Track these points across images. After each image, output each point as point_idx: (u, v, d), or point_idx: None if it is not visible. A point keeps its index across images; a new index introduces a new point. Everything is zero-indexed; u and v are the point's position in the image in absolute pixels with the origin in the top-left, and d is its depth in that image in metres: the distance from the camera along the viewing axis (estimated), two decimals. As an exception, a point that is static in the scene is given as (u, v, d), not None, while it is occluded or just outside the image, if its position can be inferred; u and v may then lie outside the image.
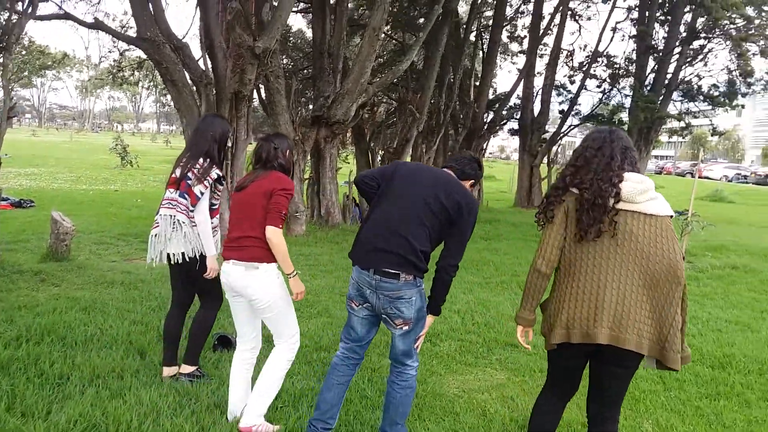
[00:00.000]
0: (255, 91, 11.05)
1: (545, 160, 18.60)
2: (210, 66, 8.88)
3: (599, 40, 18.67)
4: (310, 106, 15.55)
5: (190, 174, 3.47)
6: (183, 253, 3.52)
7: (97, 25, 9.58)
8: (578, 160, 2.54)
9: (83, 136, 60.22)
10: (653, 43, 17.19)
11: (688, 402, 3.66)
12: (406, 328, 2.81)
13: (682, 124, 17.16)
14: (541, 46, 18.95)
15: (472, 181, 3.04)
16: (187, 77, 8.95)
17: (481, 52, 19.20)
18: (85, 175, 20.83)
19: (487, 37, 18.59)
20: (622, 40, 18.68)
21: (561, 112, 19.69)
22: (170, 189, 3.55)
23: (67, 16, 9.32)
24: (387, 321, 2.83)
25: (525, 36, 19.98)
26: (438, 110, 15.09)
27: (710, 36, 15.98)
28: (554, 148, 19.44)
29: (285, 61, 16.17)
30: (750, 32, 14.57)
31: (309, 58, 16.07)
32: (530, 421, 2.71)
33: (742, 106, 16.87)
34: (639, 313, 2.33)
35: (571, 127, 20.04)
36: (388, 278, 2.72)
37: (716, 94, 17.28)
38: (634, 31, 17.83)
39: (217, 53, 8.65)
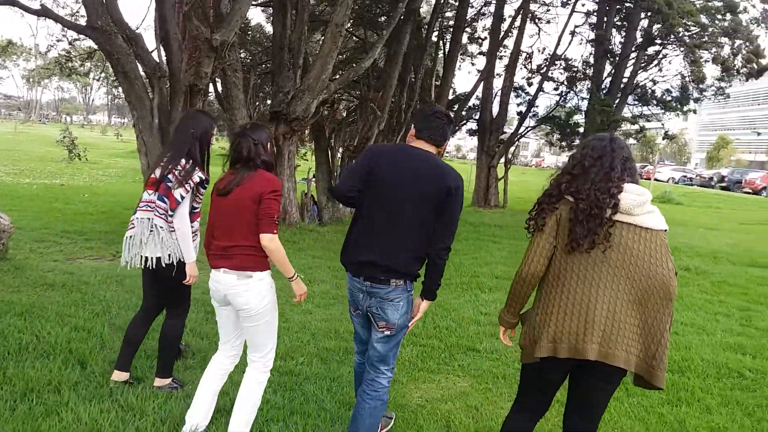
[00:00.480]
0: (211, 84, 10.69)
1: (502, 160, 18.78)
2: (164, 58, 8.52)
3: (558, 44, 18.92)
4: (268, 102, 15.20)
5: (170, 176, 3.24)
6: (159, 259, 3.31)
7: (45, 12, 9.05)
8: (575, 168, 2.41)
9: (29, 127, 57.74)
10: (611, 47, 17.53)
11: (651, 409, 3.62)
12: (387, 332, 2.75)
13: (637, 126, 17.55)
14: (501, 48, 19.08)
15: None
16: (140, 69, 8.57)
17: (442, 53, 19.20)
18: (29, 168, 19.86)
19: (449, 37, 18.58)
20: (580, 44, 19.14)
21: (519, 113, 19.88)
22: (149, 190, 3.34)
23: (11, 2, 8.77)
24: (371, 321, 2.79)
25: (485, 38, 20.09)
26: (399, 109, 14.98)
27: (665, 42, 16.38)
28: (511, 149, 19.64)
29: (243, 55, 15.78)
30: (703, 40, 14.98)
31: (268, 53, 15.72)
32: None
33: (694, 111, 17.38)
34: (628, 329, 2.24)
35: (528, 128, 20.28)
36: (379, 284, 2.70)
37: (669, 99, 17.76)
38: (592, 36, 18.14)
39: (173, 45, 8.30)
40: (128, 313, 4.94)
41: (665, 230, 2.34)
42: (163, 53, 8.55)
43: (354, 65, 12.60)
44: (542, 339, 2.31)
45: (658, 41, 16.49)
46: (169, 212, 3.25)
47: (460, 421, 3.37)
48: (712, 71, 16.53)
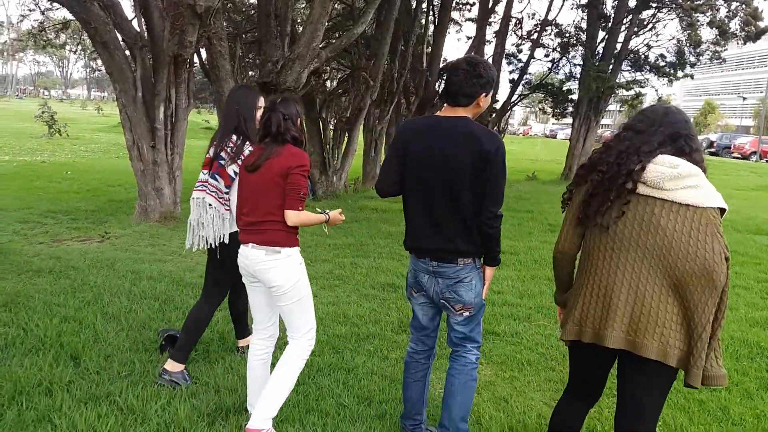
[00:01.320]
0: (195, 55, 10.19)
1: (495, 129, 18.44)
2: (145, 26, 8.04)
3: (549, 8, 18.40)
4: (251, 73, 14.63)
5: (222, 153, 3.23)
6: (208, 239, 3.26)
7: (13, -21, 8.51)
8: (612, 140, 2.22)
9: (6, 102, 56.16)
10: (604, 11, 17.08)
11: (690, 396, 3.39)
12: (467, 313, 2.59)
13: (633, 92, 17.21)
14: (491, 14, 18.53)
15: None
16: (120, 39, 8.09)
17: (433, 19, 18.63)
18: (7, 144, 19.22)
19: (438, 2, 18.00)
20: (572, 8, 18.49)
21: (511, 81, 19.45)
22: (204, 170, 3.32)
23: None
24: (446, 307, 2.61)
25: (474, 3, 19.52)
26: (391, 78, 14.50)
27: (660, 5, 15.96)
28: (504, 117, 19.30)
29: (225, 24, 15.15)
30: (699, 2, 14.60)
31: (251, 22, 15.12)
32: (549, 427, 2.46)
33: (692, 77, 17.06)
34: (664, 317, 2.01)
35: (521, 96, 19.90)
36: (446, 263, 2.53)
37: (663, 64, 17.40)
38: (584, 0, 17.65)
39: (153, 12, 7.82)
40: (121, 300, 4.62)
41: (717, 208, 2.04)
42: (143, 21, 8.08)
43: (345, 32, 12.10)
44: (569, 321, 2.20)
45: (653, 4, 16.06)
46: (224, 190, 3.23)
47: (491, 415, 3.12)
48: (707, 35, 16.22)
